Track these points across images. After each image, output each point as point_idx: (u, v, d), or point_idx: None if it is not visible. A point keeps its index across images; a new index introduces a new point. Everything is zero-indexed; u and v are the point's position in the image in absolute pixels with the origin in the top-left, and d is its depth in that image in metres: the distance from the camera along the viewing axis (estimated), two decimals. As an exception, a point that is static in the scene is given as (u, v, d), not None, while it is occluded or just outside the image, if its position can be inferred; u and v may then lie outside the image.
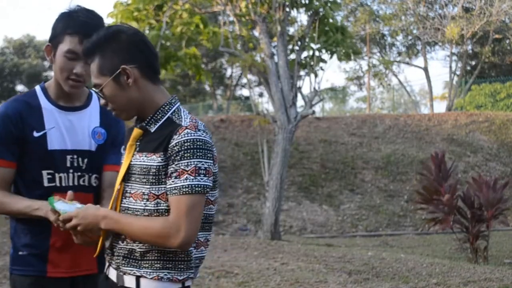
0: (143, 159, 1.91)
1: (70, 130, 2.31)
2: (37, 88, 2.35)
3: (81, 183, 2.31)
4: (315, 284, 5.90)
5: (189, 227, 1.83)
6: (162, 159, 1.87)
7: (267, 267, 6.78)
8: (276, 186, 10.51)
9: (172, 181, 1.85)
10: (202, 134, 1.88)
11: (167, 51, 11.60)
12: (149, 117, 1.95)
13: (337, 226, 14.43)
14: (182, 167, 1.83)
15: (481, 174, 12.60)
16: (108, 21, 11.49)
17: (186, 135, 1.85)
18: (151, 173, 1.89)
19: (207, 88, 37.11)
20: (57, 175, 2.27)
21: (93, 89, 1.99)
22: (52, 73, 2.39)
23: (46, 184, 2.26)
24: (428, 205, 9.04)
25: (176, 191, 1.84)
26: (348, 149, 17.97)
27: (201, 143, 1.85)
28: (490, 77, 27.72)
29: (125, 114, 1.99)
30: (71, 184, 2.28)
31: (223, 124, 18.80)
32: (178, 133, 1.86)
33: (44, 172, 2.26)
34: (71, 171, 2.30)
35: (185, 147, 1.83)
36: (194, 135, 1.85)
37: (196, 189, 1.84)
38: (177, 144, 1.84)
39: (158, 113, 1.95)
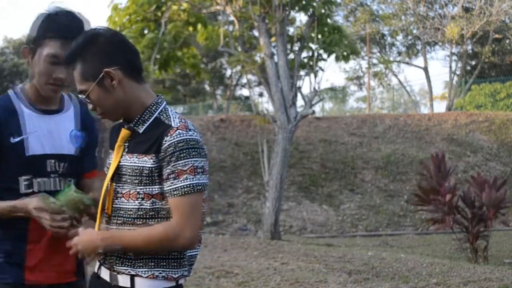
0: (133, 160, 1.91)
1: (49, 134, 2.25)
2: (11, 92, 2.28)
3: (59, 188, 2.24)
4: (315, 284, 5.90)
5: (193, 225, 1.85)
6: (154, 161, 1.87)
7: (267, 267, 6.78)
8: (276, 186, 10.51)
9: (171, 183, 1.85)
10: (194, 133, 1.88)
11: (166, 53, 11.60)
12: (137, 118, 1.94)
13: (337, 226, 14.43)
14: (179, 167, 1.84)
15: (481, 174, 12.59)
16: (107, 25, 11.47)
17: (178, 136, 1.85)
18: (144, 174, 1.88)
19: (207, 88, 37.10)
20: (35, 181, 2.21)
21: (80, 95, 1.97)
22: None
23: (23, 190, 2.18)
24: (426, 205, 9.04)
25: (177, 192, 1.84)
26: (348, 149, 17.97)
27: (194, 142, 1.86)
28: (490, 77, 27.72)
29: (113, 116, 1.98)
30: (48, 189, 2.21)
31: (223, 124, 18.80)
32: (169, 134, 1.85)
33: (21, 179, 2.19)
34: (52, 176, 2.24)
35: (179, 148, 1.84)
36: (186, 135, 1.86)
37: (197, 187, 1.85)
38: (170, 145, 1.84)
39: (145, 113, 1.94)
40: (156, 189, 1.88)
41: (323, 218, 14.69)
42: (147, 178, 1.88)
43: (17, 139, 2.19)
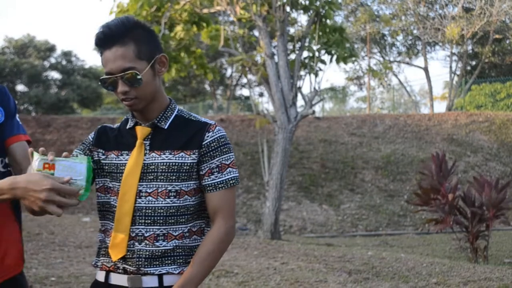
0: (167, 156, 1.89)
1: None
2: None
3: None
4: (315, 284, 5.91)
5: (234, 214, 1.95)
6: (196, 156, 1.89)
7: (267, 267, 6.78)
8: (276, 186, 10.51)
9: (215, 177, 1.90)
10: None
11: (168, 54, 11.61)
12: (161, 114, 1.94)
13: (337, 225, 14.44)
14: (223, 161, 1.91)
15: (481, 174, 12.59)
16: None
17: (219, 132, 1.93)
18: (182, 170, 1.88)
19: (207, 88, 37.11)
20: None
21: (121, 73, 1.82)
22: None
23: None
24: (427, 205, 9.04)
25: (223, 185, 1.90)
26: (348, 149, 17.98)
27: (228, 138, 1.97)
28: (490, 77, 27.73)
29: (142, 104, 1.90)
30: None
31: (223, 124, 18.80)
32: (211, 130, 1.92)
33: None
34: None
35: (222, 143, 1.92)
36: (223, 131, 1.96)
37: (238, 179, 1.96)
38: (213, 141, 1.91)
39: (168, 110, 1.96)
40: (191, 184, 1.90)
41: (323, 218, 14.70)
42: (185, 174, 1.89)
43: None
